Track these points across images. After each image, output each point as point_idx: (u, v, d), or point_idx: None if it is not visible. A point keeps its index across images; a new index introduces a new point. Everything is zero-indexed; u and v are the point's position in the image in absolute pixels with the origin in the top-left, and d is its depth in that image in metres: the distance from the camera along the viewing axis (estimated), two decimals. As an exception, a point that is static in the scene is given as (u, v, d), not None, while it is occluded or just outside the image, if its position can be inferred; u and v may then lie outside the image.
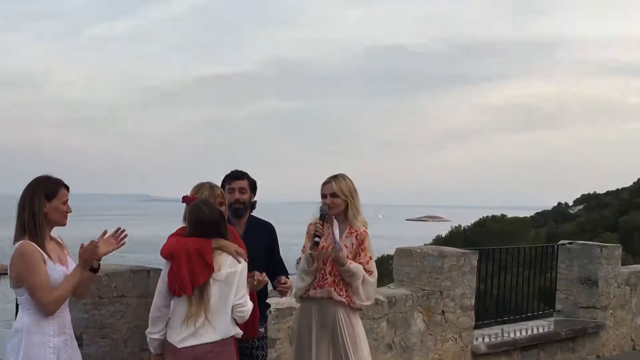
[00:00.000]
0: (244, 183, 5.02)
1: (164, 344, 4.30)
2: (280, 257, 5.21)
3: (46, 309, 3.90)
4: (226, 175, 5.08)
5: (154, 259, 4.77)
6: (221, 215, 4.37)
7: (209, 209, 4.32)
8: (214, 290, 4.17)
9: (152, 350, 4.40)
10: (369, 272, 5.04)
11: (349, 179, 5.12)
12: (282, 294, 5.19)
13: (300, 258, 5.10)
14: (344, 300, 5.00)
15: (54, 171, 4.14)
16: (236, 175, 5.04)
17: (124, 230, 4.20)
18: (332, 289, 4.98)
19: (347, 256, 4.95)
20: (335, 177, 5.10)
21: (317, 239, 4.90)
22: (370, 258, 5.08)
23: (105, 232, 4.17)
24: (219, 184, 4.83)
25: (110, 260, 4.40)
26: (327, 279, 5.01)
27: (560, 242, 9.97)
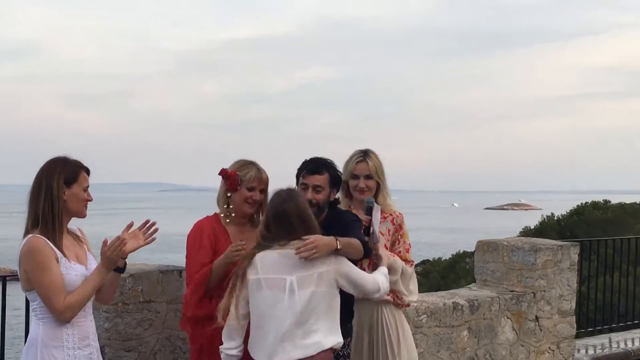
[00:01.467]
0: (321, 179, 4.76)
1: None
2: (359, 233, 4.74)
3: (60, 316, 3.91)
4: (302, 164, 4.86)
5: (183, 259, 4.80)
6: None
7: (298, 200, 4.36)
8: (303, 294, 4.16)
9: None
10: (409, 263, 5.11)
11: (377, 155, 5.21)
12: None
13: None
14: (388, 297, 5.02)
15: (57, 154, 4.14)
16: (313, 169, 4.79)
17: (154, 223, 4.22)
18: None
19: (385, 245, 5.00)
20: (366, 154, 5.13)
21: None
22: (410, 246, 5.17)
23: (132, 224, 4.19)
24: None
25: (133, 260, 4.45)
26: None
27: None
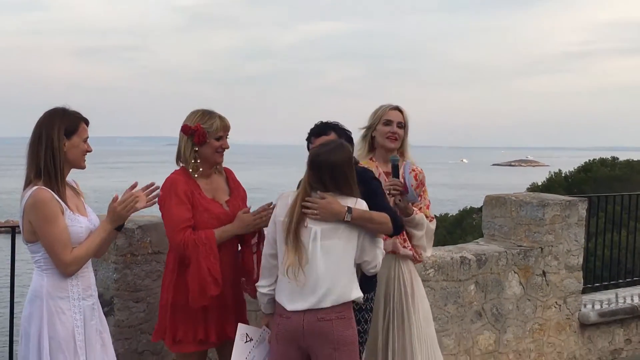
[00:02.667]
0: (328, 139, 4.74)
1: (275, 304, 4.43)
2: (387, 204, 4.68)
3: (65, 270, 3.94)
4: (311, 129, 4.86)
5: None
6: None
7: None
8: (325, 245, 4.24)
9: (262, 308, 4.54)
10: (430, 218, 5.16)
11: None
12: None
13: None
14: (409, 252, 5.06)
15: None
16: (320, 131, 4.81)
17: (157, 188, 4.23)
18: (397, 240, 5.02)
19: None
20: (399, 106, 5.21)
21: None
22: (429, 202, 5.22)
23: (136, 184, 4.20)
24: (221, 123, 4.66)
25: (141, 212, 4.45)
26: None
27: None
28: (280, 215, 4.33)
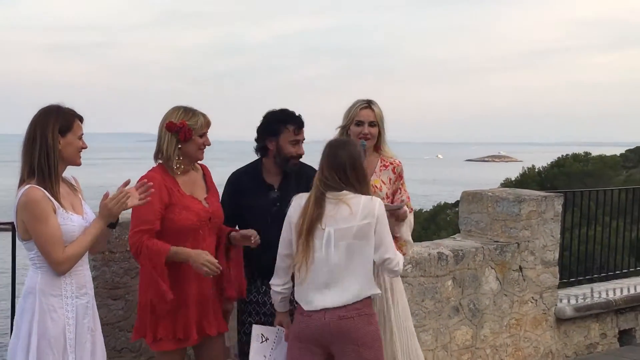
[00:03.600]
0: (304, 132, 5.00)
1: (289, 301, 4.55)
2: None
3: (58, 268, 3.95)
4: (283, 117, 4.95)
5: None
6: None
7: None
8: (340, 246, 4.31)
9: (275, 307, 4.63)
10: (410, 209, 5.22)
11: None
12: None
13: None
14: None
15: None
16: (302, 123, 4.97)
17: (151, 186, 4.22)
18: None
19: (386, 194, 5.13)
20: (370, 102, 5.19)
21: None
22: (409, 198, 5.27)
23: (129, 181, 4.20)
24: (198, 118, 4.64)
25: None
26: None
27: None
28: (293, 216, 4.40)
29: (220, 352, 4.78)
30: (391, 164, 5.20)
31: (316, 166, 4.57)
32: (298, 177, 4.98)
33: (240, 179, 5.02)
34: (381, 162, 5.20)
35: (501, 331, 7.21)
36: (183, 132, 4.51)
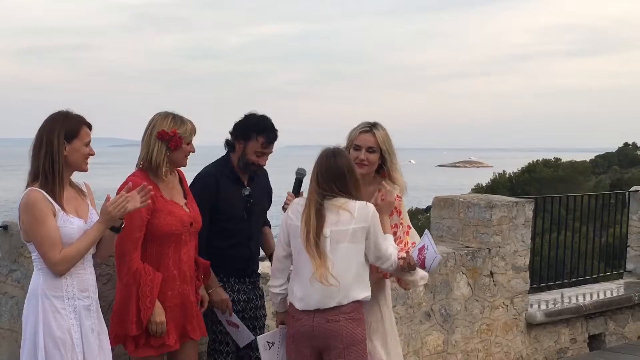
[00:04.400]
0: (273, 147, 5.07)
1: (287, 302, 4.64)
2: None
3: (54, 269, 4.02)
4: (260, 127, 4.98)
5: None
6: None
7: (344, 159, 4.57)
8: (336, 249, 4.41)
9: (274, 307, 4.76)
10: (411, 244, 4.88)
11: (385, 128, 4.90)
12: None
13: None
14: (394, 282, 5.06)
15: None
16: (274, 138, 5.03)
17: (150, 190, 4.24)
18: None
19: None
20: (374, 126, 4.85)
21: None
22: (410, 227, 4.89)
23: (131, 185, 4.23)
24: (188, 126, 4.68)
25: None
26: None
27: (633, 188, 9.94)
28: (293, 219, 4.50)
29: (195, 357, 4.85)
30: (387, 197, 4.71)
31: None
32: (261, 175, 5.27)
33: (216, 176, 5.06)
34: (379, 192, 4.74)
35: (472, 336, 7.24)
36: (174, 141, 4.54)
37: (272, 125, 5.03)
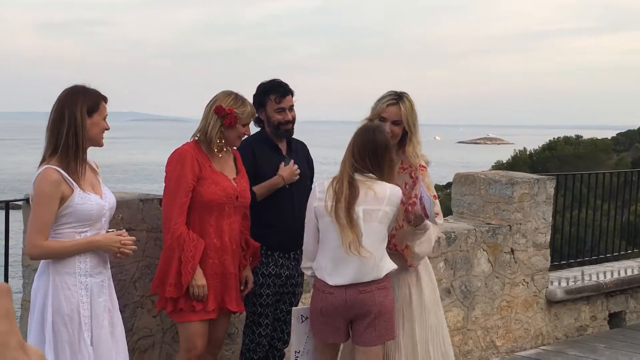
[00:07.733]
0: (292, 100, 5.16)
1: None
2: None
3: (29, 250, 3.98)
4: (267, 88, 5.15)
5: (157, 189, 4.84)
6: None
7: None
8: (366, 226, 4.41)
9: (311, 286, 4.75)
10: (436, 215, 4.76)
11: (411, 100, 4.81)
12: None
13: None
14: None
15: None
16: (285, 91, 5.13)
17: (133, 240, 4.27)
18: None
19: (401, 200, 4.58)
20: (400, 98, 4.78)
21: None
22: (435, 197, 4.71)
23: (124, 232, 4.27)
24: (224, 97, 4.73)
25: (112, 189, 4.46)
26: None
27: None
28: (319, 199, 4.48)
29: (224, 332, 4.95)
30: (410, 166, 4.72)
31: (309, 145, 4.60)
32: (299, 146, 5.36)
33: (252, 145, 5.11)
34: (400, 164, 4.76)
35: (492, 313, 7.22)
36: (229, 118, 4.60)
37: (280, 81, 5.13)
